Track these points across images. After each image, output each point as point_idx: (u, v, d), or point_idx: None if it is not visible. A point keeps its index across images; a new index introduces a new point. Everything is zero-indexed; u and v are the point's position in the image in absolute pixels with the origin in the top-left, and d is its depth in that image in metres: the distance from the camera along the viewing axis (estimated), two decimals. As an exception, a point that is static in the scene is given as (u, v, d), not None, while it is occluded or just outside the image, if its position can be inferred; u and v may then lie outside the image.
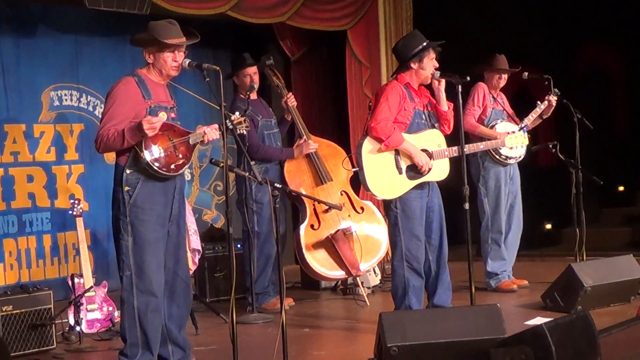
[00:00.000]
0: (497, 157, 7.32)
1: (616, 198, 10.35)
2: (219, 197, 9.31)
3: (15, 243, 7.67)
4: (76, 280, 6.35)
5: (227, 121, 4.94)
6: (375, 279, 7.80)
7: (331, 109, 9.78)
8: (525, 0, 9.58)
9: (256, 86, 7.10)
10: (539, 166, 9.41)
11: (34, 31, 7.90)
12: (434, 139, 6.06)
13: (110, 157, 7.52)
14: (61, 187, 7.99)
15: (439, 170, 6.06)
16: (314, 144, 7.24)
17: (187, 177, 8.83)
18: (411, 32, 6.59)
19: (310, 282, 7.94)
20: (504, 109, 7.50)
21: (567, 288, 6.35)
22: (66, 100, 8.13)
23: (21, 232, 7.71)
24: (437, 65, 6.04)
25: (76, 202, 6.54)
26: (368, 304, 7.17)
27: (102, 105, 5.62)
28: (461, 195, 5.65)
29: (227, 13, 8.07)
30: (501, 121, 7.39)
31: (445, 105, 6.08)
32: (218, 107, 4.88)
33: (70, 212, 6.55)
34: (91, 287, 6.33)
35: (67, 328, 6.27)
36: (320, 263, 7.08)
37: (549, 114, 7.37)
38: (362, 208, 7.31)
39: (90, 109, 8.26)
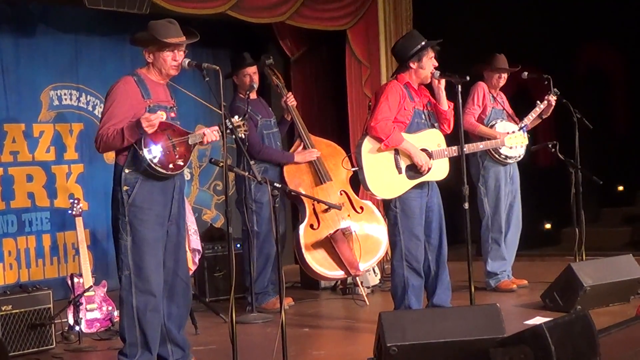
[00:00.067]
0: (497, 156, 7.32)
1: (616, 198, 10.35)
2: (218, 197, 9.31)
3: (15, 243, 7.67)
4: (75, 279, 6.35)
5: (227, 121, 4.93)
6: (374, 279, 7.80)
7: (331, 109, 9.78)
8: (525, 0, 9.58)
9: (256, 86, 7.10)
10: (539, 166, 9.41)
11: (34, 31, 7.90)
12: (433, 138, 6.06)
13: (109, 157, 7.52)
14: (61, 187, 7.99)
15: (439, 170, 6.05)
16: (316, 151, 7.25)
17: (187, 176, 8.82)
18: (409, 32, 6.60)
19: (309, 281, 7.94)
20: (504, 109, 7.50)
21: (567, 288, 6.35)
22: (66, 99, 8.13)
23: (20, 231, 7.72)
24: (437, 64, 6.04)
25: (76, 201, 6.54)
26: (367, 303, 7.17)
27: (102, 105, 5.62)
28: (461, 195, 5.65)
29: (226, 13, 8.07)
30: (501, 120, 7.39)
31: (445, 105, 6.08)
32: (216, 109, 4.87)
33: (69, 211, 6.55)
34: (90, 286, 6.32)
35: (66, 328, 6.27)
36: (319, 263, 7.08)
37: (549, 114, 7.37)
38: (361, 208, 7.31)
39: (90, 108, 8.27)
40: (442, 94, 6.05)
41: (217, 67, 4.90)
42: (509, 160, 7.37)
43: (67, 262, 7.99)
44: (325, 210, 7.12)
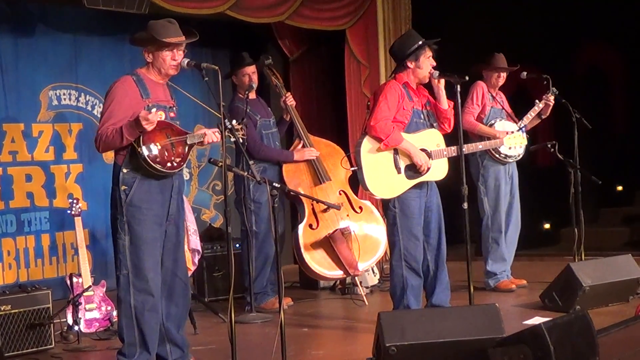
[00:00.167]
0: (497, 155, 7.32)
1: (615, 198, 10.35)
2: (217, 197, 9.31)
3: (14, 242, 7.67)
4: (75, 279, 6.34)
5: (226, 121, 4.93)
6: (373, 279, 7.79)
7: (330, 109, 9.77)
8: (525, 0, 9.58)
9: (255, 85, 7.10)
10: (538, 166, 9.42)
11: (33, 30, 7.90)
12: (432, 138, 6.05)
13: (108, 157, 7.52)
14: (60, 187, 7.98)
15: (438, 170, 6.05)
16: (315, 151, 7.25)
17: (186, 176, 8.82)
18: (407, 31, 6.61)
19: (308, 281, 7.93)
20: (503, 108, 7.50)
21: (566, 288, 6.35)
22: (65, 99, 8.13)
23: (20, 231, 7.71)
24: (435, 63, 6.03)
25: (75, 201, 6.54)
26: (366, 303, 7.17)
27: (101, 105, 5.63)
28: (460, 194, 5.65)
29: (226, 12, 8.06)
30: (500, 120, 7.39)
31: (445, 103, 6.07)
32: (215, 111, 4.87)
33: (68, 211, 6.54)
34: (90, 286, 6.32)
35: (65, 327, 6.27)
36: (318, 263, 7.08)
37: (548, 114, 7.37)
38: (360, 207, 7.31)
39: (89, 108, 8.26)
40: (442, 93, 6.04)
41: (216, 67, 4.89)
42: (509, 160, 7.38)
43: (66, 262, 7.98)
44: (325, 210, 7.12)
